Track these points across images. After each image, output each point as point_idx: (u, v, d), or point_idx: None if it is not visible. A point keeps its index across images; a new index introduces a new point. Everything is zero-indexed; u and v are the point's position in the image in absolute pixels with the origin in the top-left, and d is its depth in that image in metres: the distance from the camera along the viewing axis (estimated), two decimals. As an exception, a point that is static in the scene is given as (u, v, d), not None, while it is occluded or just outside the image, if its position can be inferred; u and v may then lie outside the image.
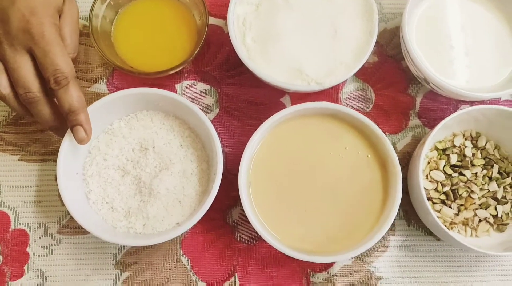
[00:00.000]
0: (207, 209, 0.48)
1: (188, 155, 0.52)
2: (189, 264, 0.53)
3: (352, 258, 0.53)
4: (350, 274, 0.53)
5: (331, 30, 0.52)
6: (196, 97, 0.57)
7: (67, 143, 0.49)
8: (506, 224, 0.53)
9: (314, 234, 0.50)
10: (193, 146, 0.52)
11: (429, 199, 0.53)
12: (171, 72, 0.53)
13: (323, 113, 0.51)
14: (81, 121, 0.47)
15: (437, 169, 0.53)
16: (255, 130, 0.50)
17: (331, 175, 0.51)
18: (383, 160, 0.51)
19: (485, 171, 0.53)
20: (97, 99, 0.50)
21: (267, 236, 0.47)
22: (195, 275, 0.53)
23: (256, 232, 0.49)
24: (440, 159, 0.54)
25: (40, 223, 0.53)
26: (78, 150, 0.51)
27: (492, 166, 0.53)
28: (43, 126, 0.49)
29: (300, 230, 0.50)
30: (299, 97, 0.57)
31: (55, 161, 0.49)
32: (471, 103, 0.57)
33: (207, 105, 0.57)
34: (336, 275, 0.53)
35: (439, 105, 0.57)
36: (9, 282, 0.52)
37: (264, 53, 0.52)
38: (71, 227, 0.53)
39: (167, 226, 0.50)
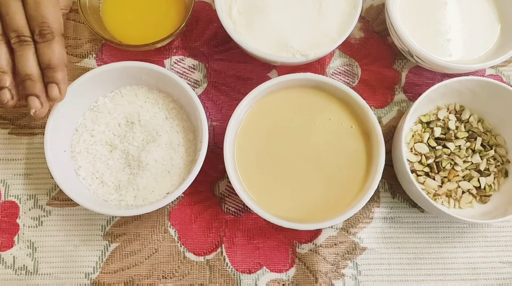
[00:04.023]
0: (196, 175, 0.48)
1: (174, 126, 0.53)
2: (177, 235, 0.54)
3: (337, 229, 0.54)
4: (335, 244, 0.54)
5: (317, 3, 0.53)
6: (184, 72, 0.58)
7: (52, 123, 0.49)
8: (489, 196, 0.53)
9: (300, 204, 0.50)
10: (178, 118, 0.53)
11: (413, 171, 0.53)
12: (159, 45, 0.53)
13: (308, 84, 0.52)
14: (58, 79, 0.48)
15: (421, 141, 0.54)
16: (243, 104, 0.50)
17: (315, 146, 0.51)
18: (366, 131, 0.51)
19: (468, 144, 0.54)
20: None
21: (252, 204, 0.48)
22: (182, 246, 0.53)
23: (243, 204, 0.50)
24: (424, 132, 0.54)
25: (30, 195, 0.54)
26: (64, 128, 0.51)
27: (476, 139, 0.54)
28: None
29: (285, 200, 0.50)
30: (286, 71, 0.57)
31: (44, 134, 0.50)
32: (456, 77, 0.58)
33: (196, 80, 0.57)
34: (321, 246, 0.53)
35: (424, 79, 0.58)
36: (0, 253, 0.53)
37: (249, 26, 0.52)
38: (61, 199, 0.54)
39: (158, 197, 0.51)
